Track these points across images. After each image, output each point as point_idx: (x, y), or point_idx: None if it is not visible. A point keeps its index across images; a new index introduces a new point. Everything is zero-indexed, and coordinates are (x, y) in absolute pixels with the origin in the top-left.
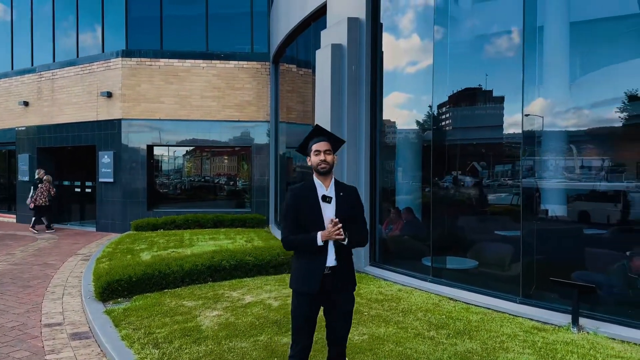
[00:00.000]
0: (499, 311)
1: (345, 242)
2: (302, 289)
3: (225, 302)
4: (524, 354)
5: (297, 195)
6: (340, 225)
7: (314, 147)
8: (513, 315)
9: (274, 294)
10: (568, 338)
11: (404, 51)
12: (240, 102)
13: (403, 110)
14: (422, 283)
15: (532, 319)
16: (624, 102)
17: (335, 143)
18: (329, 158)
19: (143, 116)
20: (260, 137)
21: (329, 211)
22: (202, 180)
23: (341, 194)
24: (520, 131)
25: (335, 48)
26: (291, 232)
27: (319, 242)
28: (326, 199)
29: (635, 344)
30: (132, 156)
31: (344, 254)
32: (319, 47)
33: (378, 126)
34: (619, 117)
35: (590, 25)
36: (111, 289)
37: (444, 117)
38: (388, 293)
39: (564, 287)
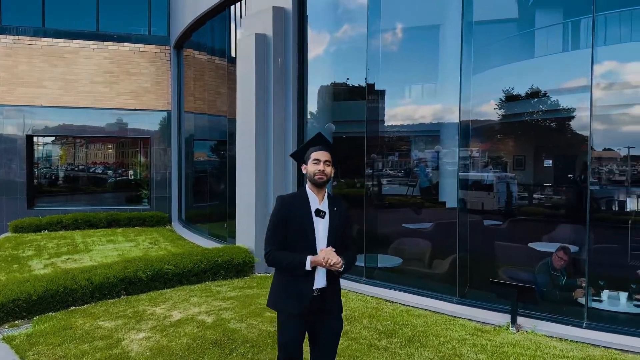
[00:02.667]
0: (438, 312)
1: (341, 270)
2: (291, 308)
3: (150, 320)
4: (479, 359)
5: (287, 204)
6: (334, 261)
7: (314, 155)
8: (453, 316)
9: (204, 307)
10: (512, 339)
11: (332, 42)
12: (136, 89)
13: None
14: (356, 285)
15: (471, 320)
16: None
17: (336, 157)
18: (328, 169)
19: (21, 102)
20: (161, 127)
21: (321, 227)
22: (92, 174)
23: (335, 209)
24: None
25: (260, 38)
26: (277, 246)
27: (307, 267)
28: (319, 213)
29: (572, 341)
30: (8, 147)
31: (335, 274)
32: (233, 34)
33: (306, 121)
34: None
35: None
36: (6, 310)
37: (375, 109)
38: None
39: (503, 288)
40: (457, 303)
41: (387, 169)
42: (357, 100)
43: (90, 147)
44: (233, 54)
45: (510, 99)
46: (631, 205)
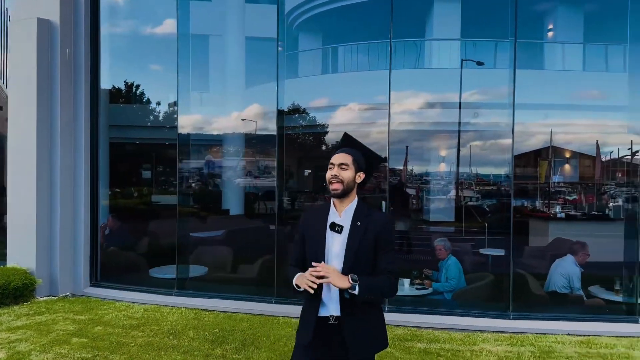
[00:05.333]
0: (259, 314)
1: (355, 291)
2: (299, 338)
3: None
4: None
5: (307, 219)
6: (320, 274)
7: (331, 159)
8: (273, 316)
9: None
10: None
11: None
12: None
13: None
14: (167, 298)
15: (291, 317)
16: None
17: (369, 160)
18: (345, 175)
19: None
20: None
21: (337, 244)
22: None
23: (358, 223)
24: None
25: (44, 24)
26: (294, 263)
27: (294, 284)
28: (335, 227)
29: None
30: None
31: (351, 300)
32: None
33: (101, 122)
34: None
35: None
36: None
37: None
38: (137, 316)
39: None
40: (275, 303)
41: (172, 178)
42: (142, 104)
43: None
44: None
45: (278, 113)
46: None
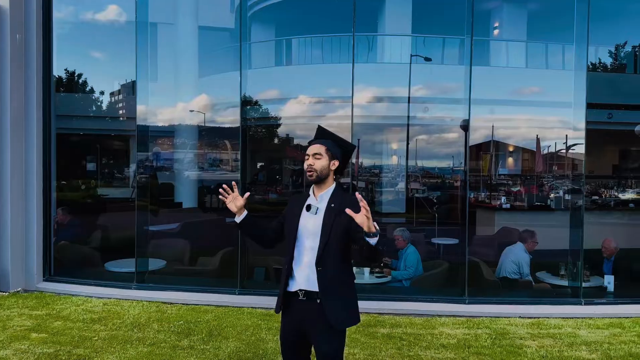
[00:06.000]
0: (223, 306)
1: (375, 238)
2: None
3: None
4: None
5: (292, 201)
6: (364, 206)
7: (307, 150)
8: (237, 307)
9: None
10: None
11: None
12: None
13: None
14: (126, 292)
15: (255, 307)
16: None
17: (342, 148)
18: (318, 164)
19: None
20: None
21: (312, 224)
22: None
23: (332, 205)
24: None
25: None
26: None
27: (236, 217)
28: (310, 208)
29: None
30: None
31: (327, 274)
32: None
33: (53, 112)
34: None
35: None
36: None
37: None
38: (97, 310)
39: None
40: (239, 294)
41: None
42: (85, 93)
43: None
44: None
45: (232, 105)
46: None
